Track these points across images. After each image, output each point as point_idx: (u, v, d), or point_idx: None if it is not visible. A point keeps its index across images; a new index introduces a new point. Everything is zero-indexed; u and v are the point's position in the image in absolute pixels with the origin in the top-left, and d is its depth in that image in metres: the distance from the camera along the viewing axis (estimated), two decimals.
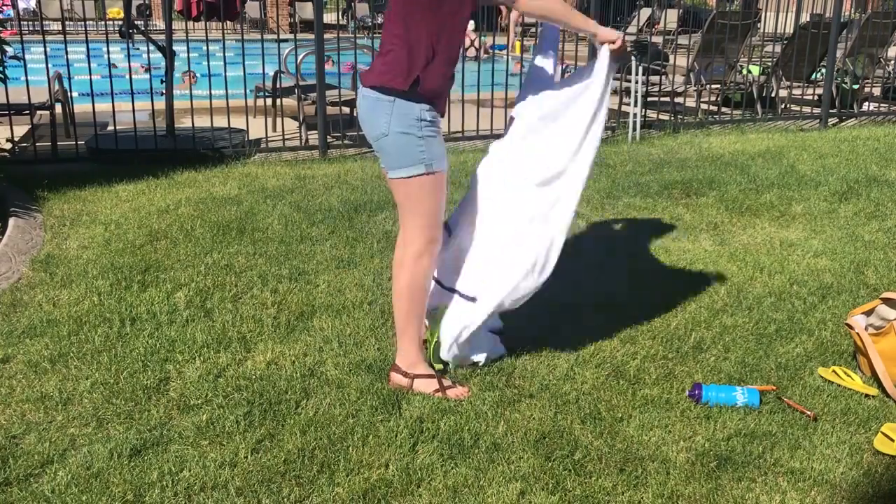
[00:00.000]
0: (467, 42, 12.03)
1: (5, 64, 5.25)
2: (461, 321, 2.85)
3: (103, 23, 9.50)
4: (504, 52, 12.82)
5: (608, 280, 3.88)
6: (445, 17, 2.62)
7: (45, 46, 6.04)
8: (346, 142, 6.86)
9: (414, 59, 2.61)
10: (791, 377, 2.96)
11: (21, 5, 17.55)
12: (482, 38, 9.51)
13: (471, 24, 13.17)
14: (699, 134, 7.46)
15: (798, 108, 8.96)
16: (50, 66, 6.27)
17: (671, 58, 9.10)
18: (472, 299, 2.87)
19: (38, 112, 6.31)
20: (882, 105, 9.18)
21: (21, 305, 3.45)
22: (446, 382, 2.81)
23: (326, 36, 6.58)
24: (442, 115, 2.76)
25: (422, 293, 2.80)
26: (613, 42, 2.73)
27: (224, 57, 6.43)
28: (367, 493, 2.28)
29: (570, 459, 2.44)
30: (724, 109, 8.50)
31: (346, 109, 7.39)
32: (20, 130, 6.25)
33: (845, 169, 6.04)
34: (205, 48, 6.83)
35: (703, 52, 8.23)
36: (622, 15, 16.07)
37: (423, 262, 2.75)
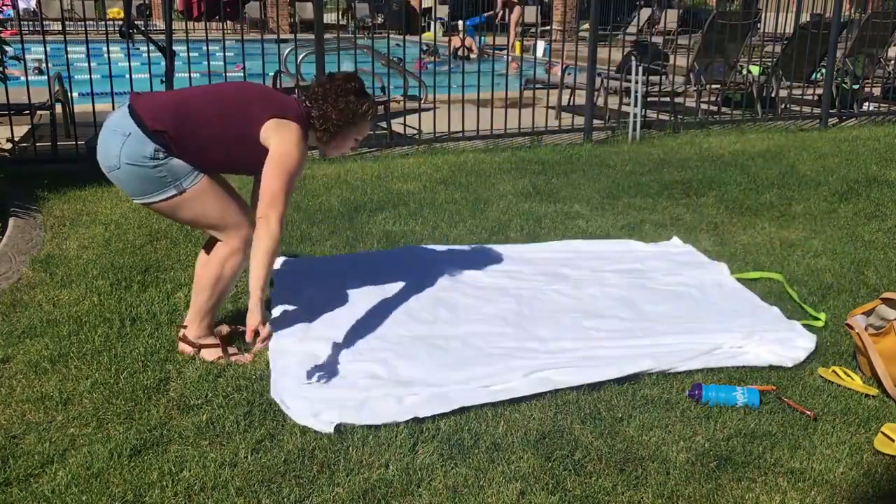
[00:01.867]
0: (458, 42, 12.02)
1: (5, 64, 5.25)
2: None
3: (103, 23, 9.50)
4: (504, 52, 12.84)
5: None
6: (227, 136, 2.79)
7: (45, 46, 6.03)
8: None
9: (184, 121, 2.76)
10: (791, 377, 2.96)
11: (21, 5, 17.55)
12: (482, 38, 9.52)
13: (460, 24, 13.16)
14: (699, 134, 7.46)
15: (798, 108, 8.96)
16: (50, 65, 6.27)
17: (671, 58, 9.10)
18: None
19: (38, 112, 6.31)
20: (882, 105, 9.18)
21: (21, 305, 3.45)
22: (231, 350, 3.06)
23: (326, 36, 6.58)
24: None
25: (225, 287, 3.00)
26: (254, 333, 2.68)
27: (224, 57, 6.43)
28: (367, 493, 2.28)
29: (570, 459, 2.44)
30: (724, 109, 8.50)
31: None
32: (20, 130, 6.25)
33: (845, 169, 6.04)
34: (205, 48, 6.83)
35: (703, 52, 8.23)
36: (622, 15, 16.07)
37: (233, 260, 2.94)
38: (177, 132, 2.76)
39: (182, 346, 3.05)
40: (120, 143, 2.74)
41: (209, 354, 3.02)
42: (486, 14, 14.55)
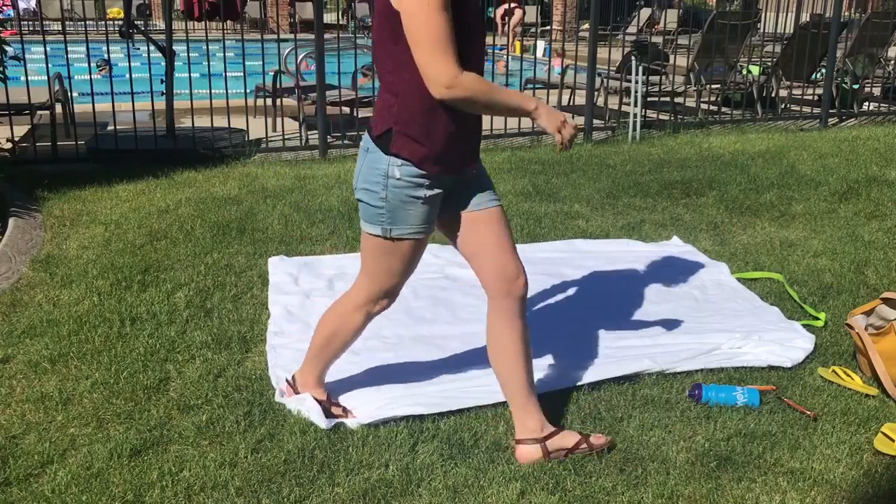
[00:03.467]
0: None
1: (5, 64, 5.25)
2: None
3: (103, 23, 9.50)
4: (503, 52, 12.85)
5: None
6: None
7: (45, 46, 6.04)
8: (346, 142, 6.85)
9: (390, 105, 2.25)
10: (791, 377, 2.96)
11: (21, 5, 17.56)
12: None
13: None
14: (699, 134, 7.46)
15: (798, 108, 8.96)
16: (50, 65, 6.27)
17: (671, 58, 9.10)
18: None
19: (38, 112, 6.31)
20: (882, 105, 9.18)
21: (21, 305, 3.45)
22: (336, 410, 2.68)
23: (326, 36, 6.58)
24: (453, 174, 2.34)
25: (339, 344, 2.61)
26: (559, 131, 2.25)
27: (224, 57, 6.44)
28: (367, 493, 2.28)
29: (570, 459, 2.44)
30: (724, 109, 8.50)
31: (346, 109, 7.38)
32: (20, 130, 6.25)
33: (845, 169, 6.04)
34: (205, 48, 6.83)
35: (703, 52, 8.23)
36: (622, 15, 16.07)
37: (355, 317, 2.55)
38: (391, 112, 2.24)
39: (287, 389, 2.76)
40: (361, 161, 2.34)
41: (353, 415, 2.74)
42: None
